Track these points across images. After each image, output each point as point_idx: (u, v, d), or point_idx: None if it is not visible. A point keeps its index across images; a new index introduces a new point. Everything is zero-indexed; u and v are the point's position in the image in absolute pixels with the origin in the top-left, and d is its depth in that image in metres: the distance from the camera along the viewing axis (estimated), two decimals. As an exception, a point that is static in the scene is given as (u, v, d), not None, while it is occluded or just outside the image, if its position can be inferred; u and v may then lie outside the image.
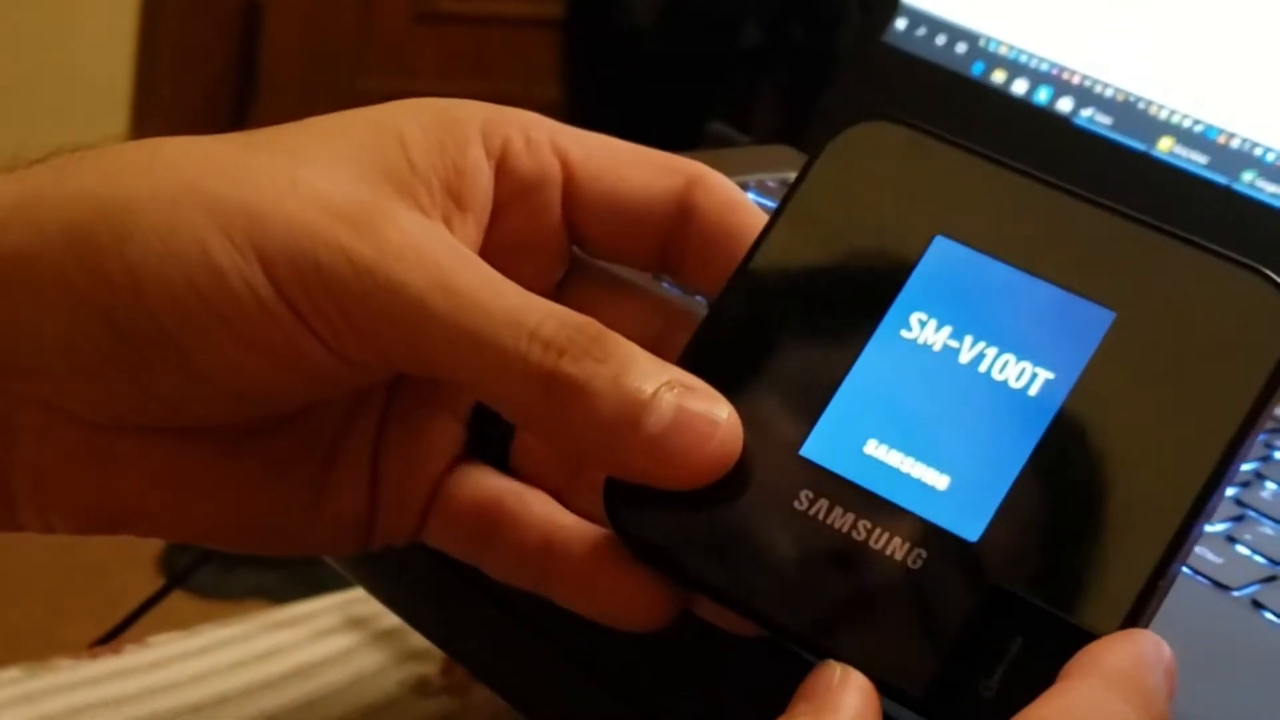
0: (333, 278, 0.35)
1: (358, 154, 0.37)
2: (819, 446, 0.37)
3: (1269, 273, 0.35)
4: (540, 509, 0.39)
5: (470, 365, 0.36)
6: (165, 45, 2.39)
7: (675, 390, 0.36)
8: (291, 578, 1.59)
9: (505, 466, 0.40)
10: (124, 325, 0.36)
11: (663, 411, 0.35)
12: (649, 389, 0.35)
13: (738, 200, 0.39)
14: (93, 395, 0.37)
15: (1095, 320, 0.36)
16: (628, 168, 0.40)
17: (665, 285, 0.46)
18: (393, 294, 0.35)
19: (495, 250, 0.39)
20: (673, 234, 0.39)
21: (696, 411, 0.36)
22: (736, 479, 0.36)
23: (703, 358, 0.37)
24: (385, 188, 0.37)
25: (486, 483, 0.40)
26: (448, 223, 0.38)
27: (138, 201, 0.36)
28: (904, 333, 0.37)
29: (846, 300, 0.38)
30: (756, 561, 0.36)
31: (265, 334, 0.36)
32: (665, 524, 0.37)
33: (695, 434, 0.36)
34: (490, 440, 0.40)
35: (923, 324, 0.37)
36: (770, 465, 0.37)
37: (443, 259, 0.36)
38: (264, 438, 0.39)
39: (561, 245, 0.40)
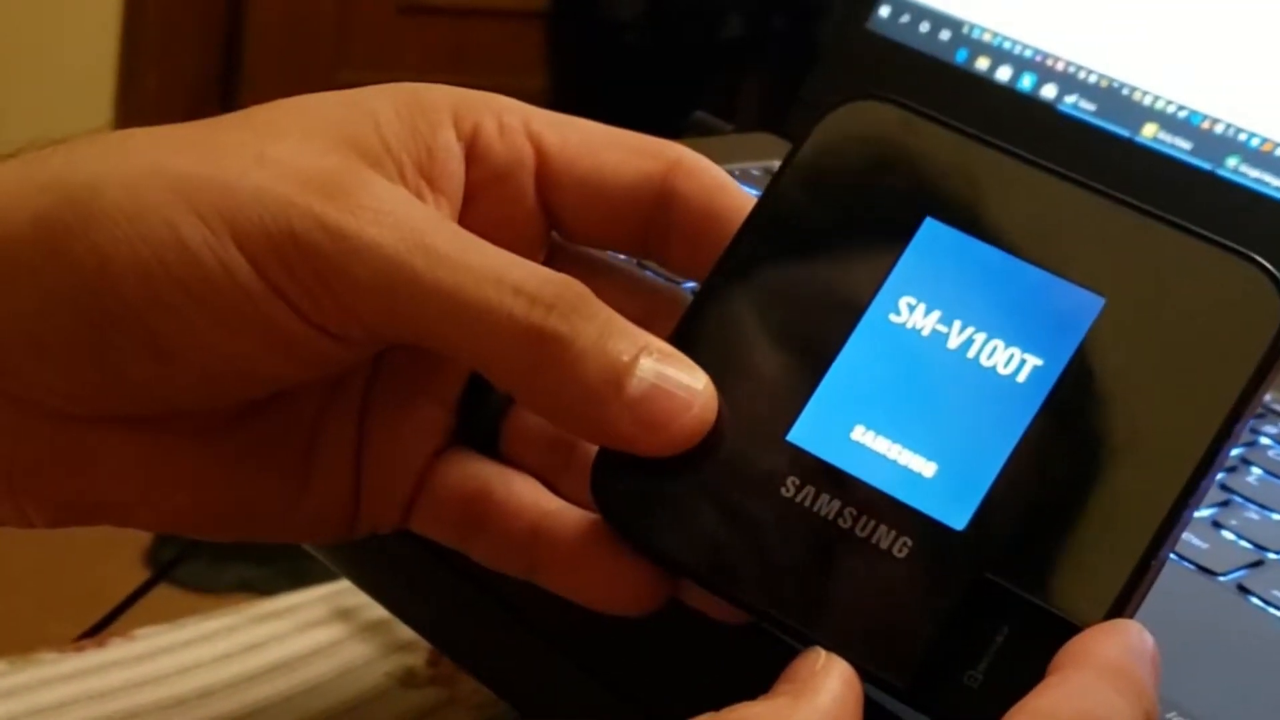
0: (308, 245, 0.35)
1: (328, 129, 0.37)
2: (806, 432, 0.36)
3: (1260, 259, 0.35)
4: (528, 494, 0.39)
5: (454, 325, 0.35)
6: (149, 36, 2.38)
7: (654, 355, 0.36)
8: (279, 571, 1.59)
9: (494, 453, 0.40)
10: (93, 311, 0.36)
11: (643, 376, 0.35)
12: (628, 353, 0.35)
13: (721, 182, 0.39)
14: (62, 386, 0.37)
15: (1085, 306, 0.36)
16: (605, 151, 0.39)
17: (650, 272, 0.46)
18: (370, 256, 0.35)
19: None
20: (654, 217, 0.39)
21: (675, 378, 0.36)
22: (723, 462, 0.36)
23: (690, 341, 0.37)
24: (356, 159, 0.37)
25: (473, 469, 0.39)
26: (420, 200, 0.38)
27: (104, 184, 0.36)
28: (893, 317, 0.37)
29: (835, 283, 0.38)
30: (741, 547, 0.36)
31: (239, 311, 0.35)
32: (652, 508, 0.37)
33: (675, 401, 0.36)
34: (479, 426, 0.40)
35: (911, 308, 0.37)
36: (757, 450, 0.36)
37: (419, 221, 0.36)
38: (242, 424, 0.39)
39: (539, 230, 0.40)
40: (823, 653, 0.34)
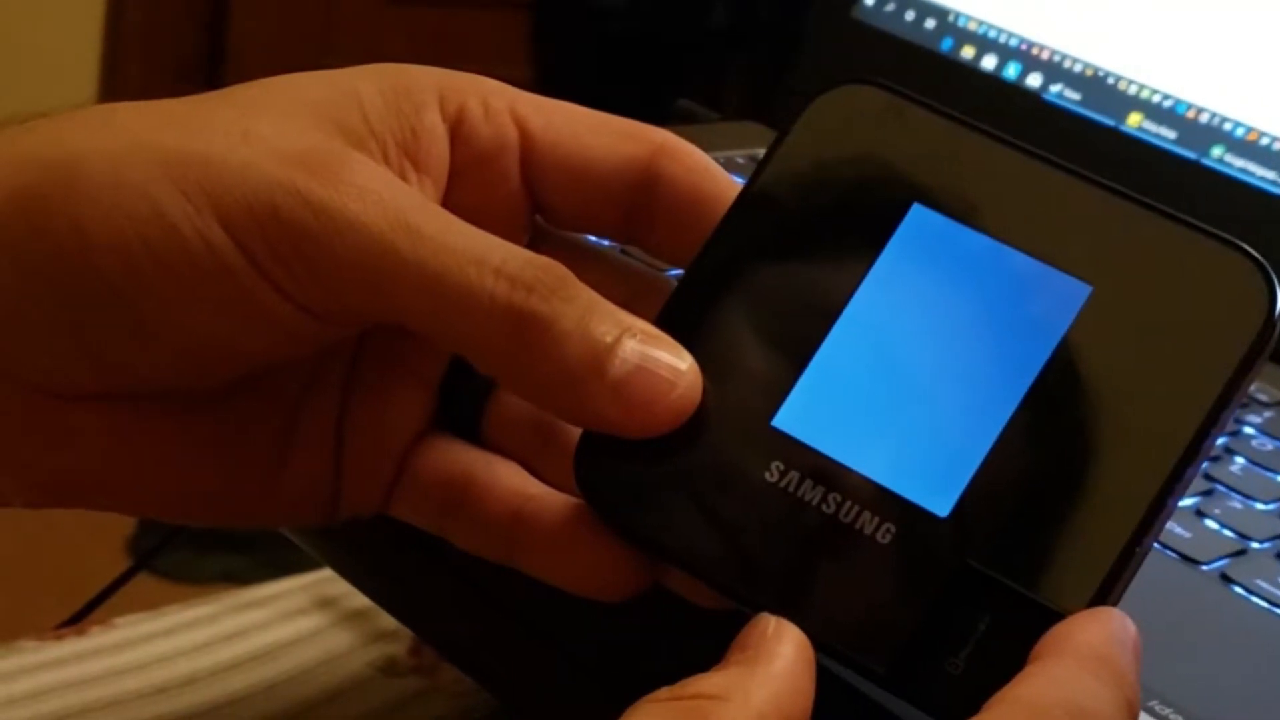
0: (290, 222, 0.35)
1: (312, 109, 0.37)
2: (792, 417, 0.36)
3: (1248, 249, 0.35)
4: (509, 479, 0.39)
5: (435, 306, 0.35)
6: (132, 25, 2.37)
7: (638, 337, 0.36)
8: (261, 562, 1.58)
9: (475, 438, 0.40)
10: (73, 287, 0.35)
11: (626, 357, 0.35)
12: (611, 335, 0.35)
13: (706, 166, 0.39)
14: (42, 362, 0.36)
15: (1072, 293, 0.36)
16: (589, 135, 0.39)
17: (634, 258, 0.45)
18: (353, 235, 0.35)
19: None
20: (639, 202, 0.39)
21: (660, 359, 0.36)
22: (708, 447, 0.36)
23: (674, 325, 0.37)
24: (340, 139, 0.37)
25: (455, 453, 0.39)
26: (404, 181, 0.38)
27: (86, 159, 0.36)
28: (879, 302, 0.37)
29: (821, 269, 0.37)
30: (725, 533, 0.36)
31: (221, 287, 0.35)
32: (635, 493, 0.36)
33: (659, 381, 0.36)
34: (460, 411, 0.40)
35: (898, 294, 0.37)
36: (742, 435, 0.36)
37: (402, 200, 0.36)
38: (223, 403, 0.38)
39: (522, 214, 0.40)
40: (773, 619, 0.34)
